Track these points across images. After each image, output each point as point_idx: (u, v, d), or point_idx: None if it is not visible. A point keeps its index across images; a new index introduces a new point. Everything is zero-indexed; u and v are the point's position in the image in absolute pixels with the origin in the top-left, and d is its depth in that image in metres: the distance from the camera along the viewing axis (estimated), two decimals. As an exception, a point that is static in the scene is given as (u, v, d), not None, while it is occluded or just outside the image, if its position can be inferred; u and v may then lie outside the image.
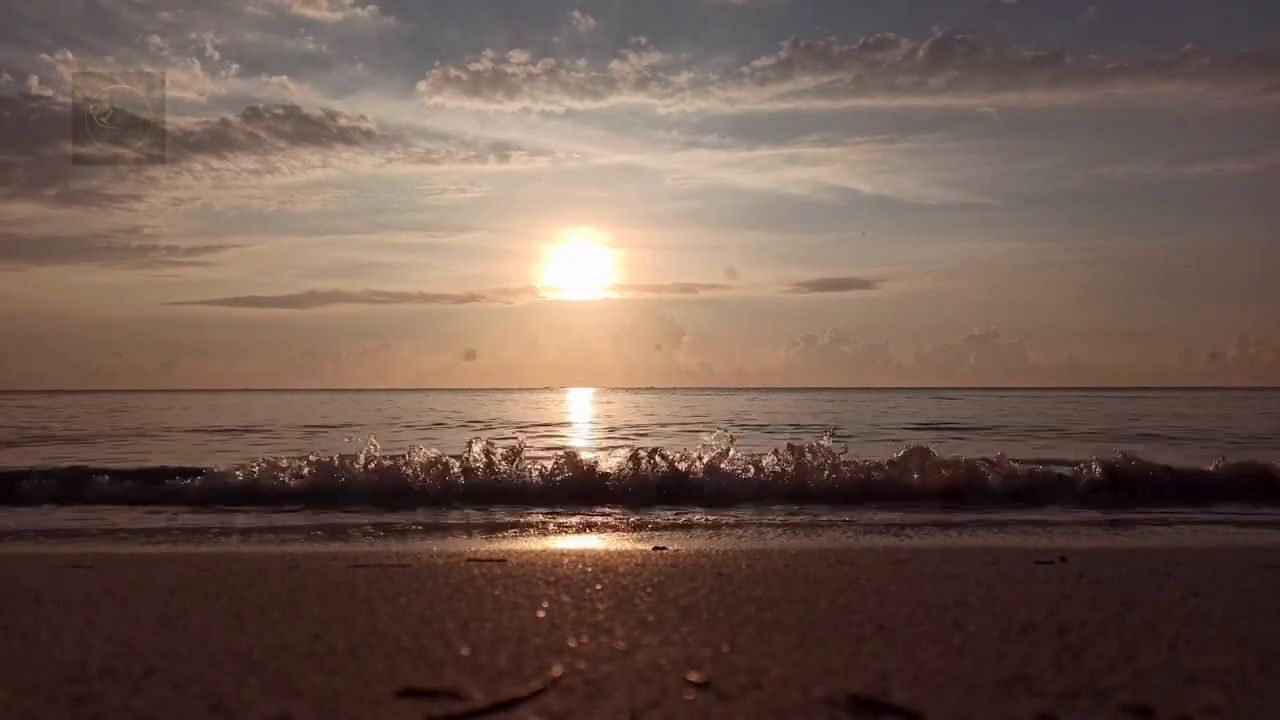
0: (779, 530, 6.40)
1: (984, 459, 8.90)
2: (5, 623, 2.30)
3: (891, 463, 8.67)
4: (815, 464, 8.62)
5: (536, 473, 8.66)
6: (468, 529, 6.65)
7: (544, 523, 6.85)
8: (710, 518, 7.17)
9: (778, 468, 8.65)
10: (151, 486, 8.73)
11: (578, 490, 8.37)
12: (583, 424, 27.78)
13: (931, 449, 8.92)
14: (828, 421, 25.95)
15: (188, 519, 7.29)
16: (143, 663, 1.81)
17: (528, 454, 9.09)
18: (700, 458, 8.83)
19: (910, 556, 4.18)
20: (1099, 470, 8.68)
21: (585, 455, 9.08)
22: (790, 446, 8.86)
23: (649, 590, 2.76)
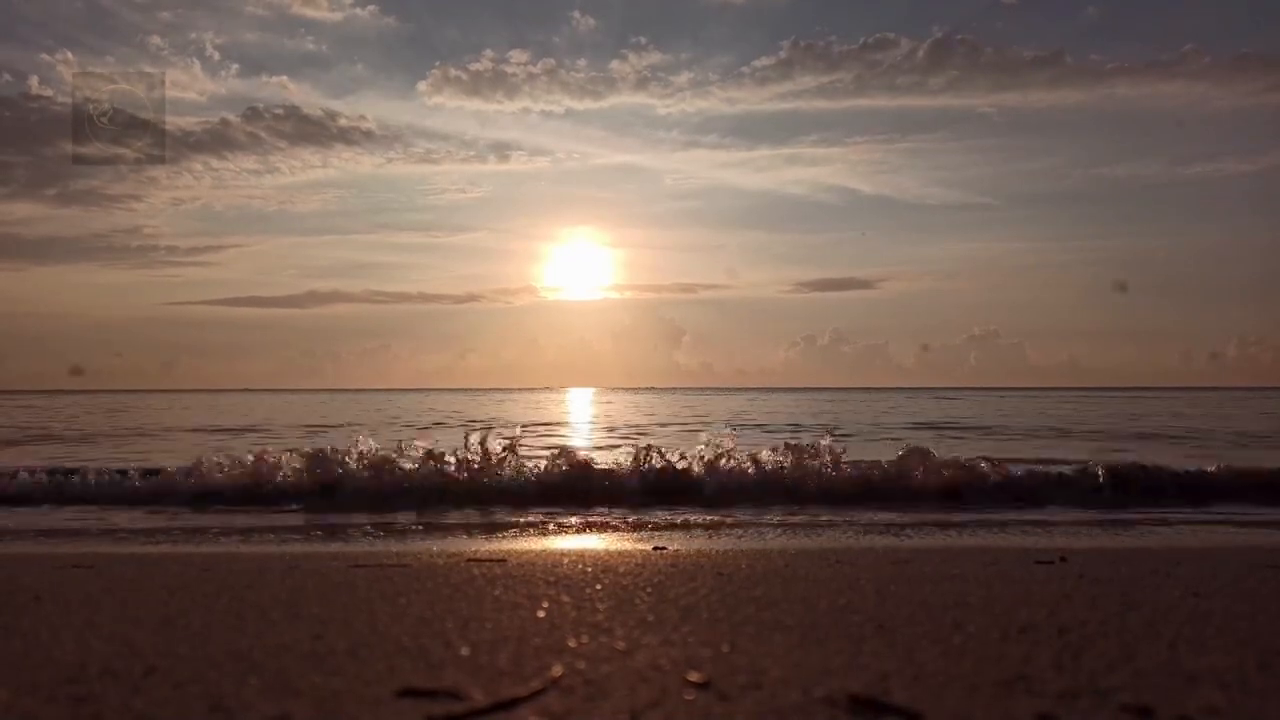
0: (779, 530, 6.40)
1: (983, 457, 8.90)
2: (5, 623, 2.29)
3: (891, 464, 8.67)
4: (815, 464, 8.62)
5: (535, 472, 8.65)
6: (468, 529, 6.65)
7: (544, 523, 6.85)
8: (710, 518, 7.17)
9: (777, 468, 8.65)
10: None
11: (577, 490, 8.36)
12: (582, 424, 27.78)
13: (931, 449, 8.91)
14: (828, 421, 25.97)
15: (188, 519, 7.28)
16: (143, 663, 1.81)
17: (528, 454, 9.09)
18: (700, 458, 8.83)
19: (910, 556, 4.18)
20: (1099, 470, 8.68)
21: (585, 455, 9.08)
22: (788, 446, 8.86)
23: (649, 590, 2.76)
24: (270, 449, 8.91)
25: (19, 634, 2.14)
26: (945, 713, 1.46)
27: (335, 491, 8.33)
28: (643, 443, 9.22)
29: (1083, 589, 2.88)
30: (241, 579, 3.18)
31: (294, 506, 7.96)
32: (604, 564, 3.52)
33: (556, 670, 1.71)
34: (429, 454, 8.68)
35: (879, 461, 8.82)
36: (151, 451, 15.05)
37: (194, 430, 21.94)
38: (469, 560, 3.85)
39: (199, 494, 8.26)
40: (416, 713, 1.46)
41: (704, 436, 9.13)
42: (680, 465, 8.72)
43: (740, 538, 5.98)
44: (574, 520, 7.02)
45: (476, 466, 8.60)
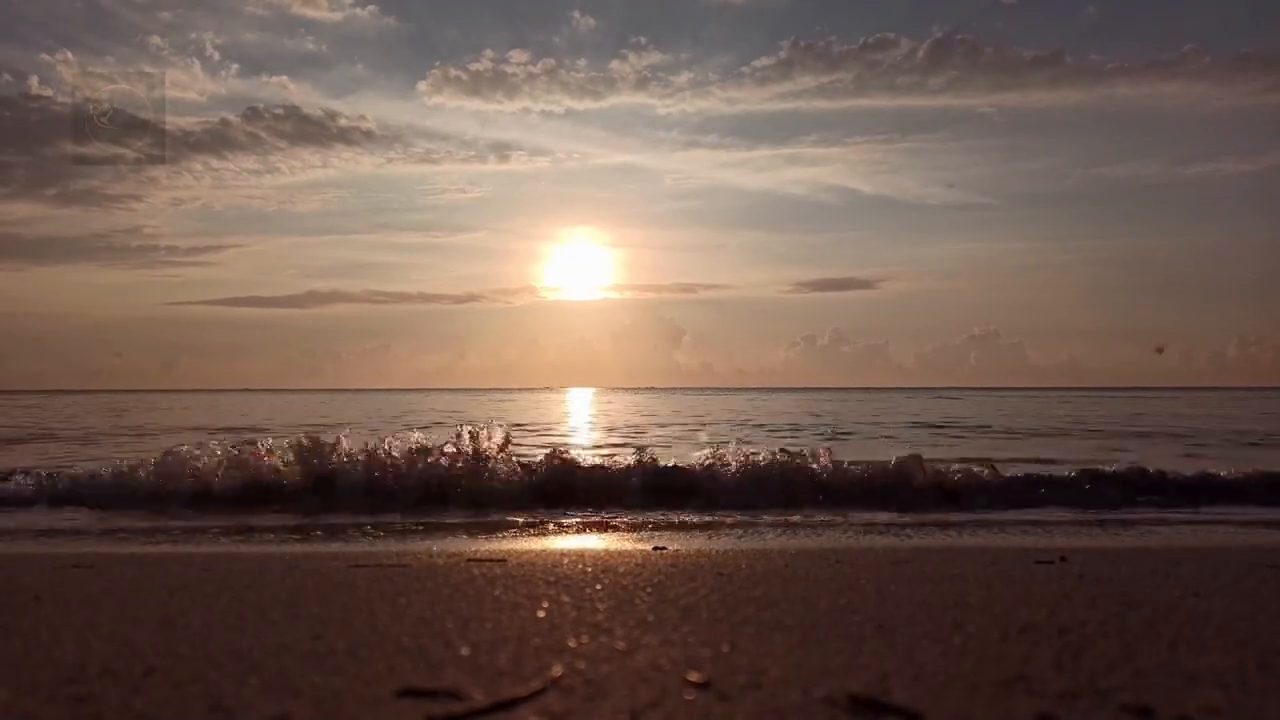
0: (779, 530, 6.40)
1: (984, 460, 8.90)
2: (5, 623, 2.29)
3: (888, 470, 8.65)
4: (814, 465, 8.62)
5: (535, 472, 8.64)
6: (468, 529, 6.65)
7: (544, 523, 6.85)
8: (710, 518, 7.17)
9: (777, 469, 8.64)
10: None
11: (577, 490, 8.35)
12: (582, 424, 27.77)
13: (922, 455, 8.87)
14: (828, 422, 25.98)
15: (188, 520, 7.27)
16: (143, 663, 1.81)
17: (528, 454, 9.08)
18: (700, 458, 8.83)
19: (910, 556, 4.18)
20: (1098, 471, 8.68)
21: (585, 455, 9.08)
22: (786, 450, 8.86)
23: (649, 590, 2.76)
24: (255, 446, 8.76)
25: (19, 634, 2.14)
26: (945, 713, 1.47)
27: (330, 488, 8.25)
28: (642, 443, 9.22)
29: (1083, 589, 2.88)
30: (241, 579, 3.18)
31: (276, 507, 7.82)
32: (604, 564, 3.52)
33: (556, 670, 1.71)
34: (423, 451, 8.62)
35: (878, 464, 8.81)
36: (152, 452, 15.02)
37: (194, 429, 21.94)
38: (469, 560, 3.85)
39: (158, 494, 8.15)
40: (416, 713, 1.46)
41: (703, 437, 9.13)
42: (680, 465, 8.71)
43: (740, 538, 5.98)
44: (574, 520, 7.02)
45: (474, 466, 8.57)
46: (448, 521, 7.07)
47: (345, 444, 8.60)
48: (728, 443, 9.05)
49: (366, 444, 8.63)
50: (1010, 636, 2.07)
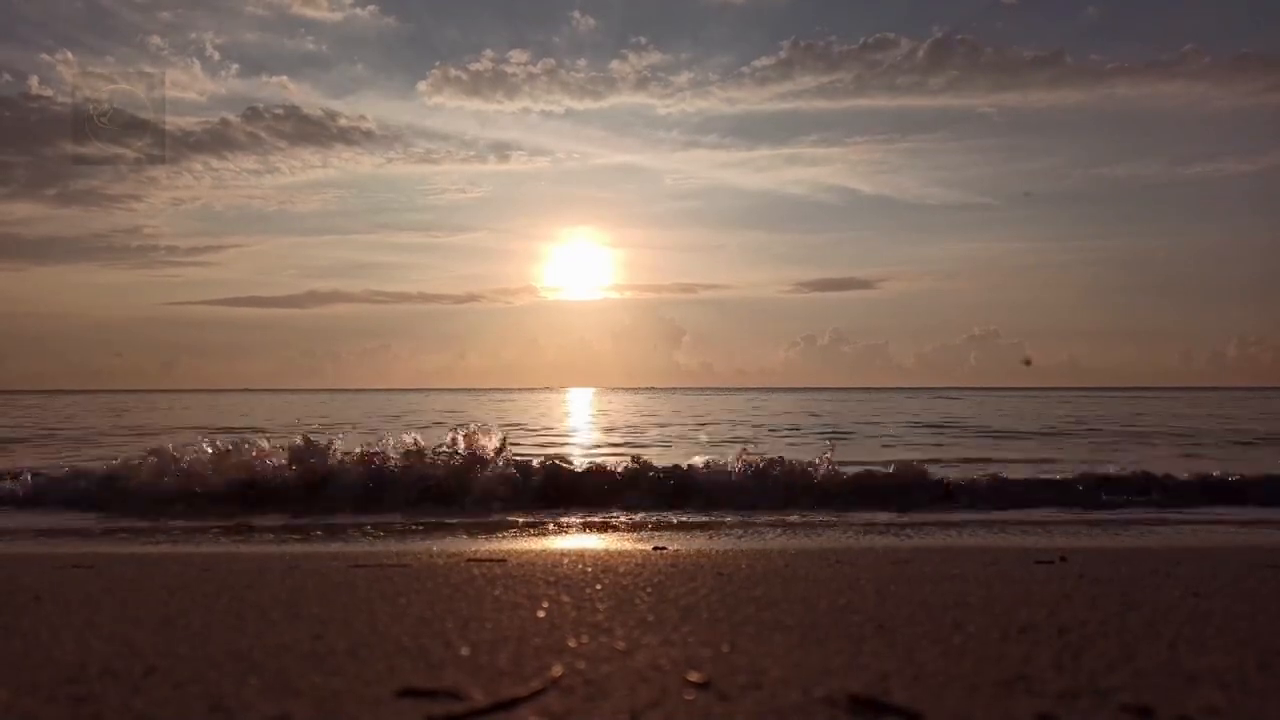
0: (779, 530, 6.40)
1: (984, 460, 8.89)
2: (5, 623, 2.29)
3: (888, 475, 8.65)
4: (814, 466, 8.62)
5: (533, 472, 8.64)
6: (468, 529, 6.64)
7: (544, 523, 6.85)
8: (710, 518, 7.17)
9: (777, 470, 8.64)
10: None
11: (577, 490, 8.35)
12: (582, 424, 27.77)
13: (919, 462, 8.86)
14: (827, 422, 25.97)
15: (189, 519, 7.27)
16: (143, 663, 1.81)
17: (528, 455, 9.08)
18: (700, 459, 8.82)
19: (910, 556, 4.18)
20: (1099, 471, 8.67)
21: (584, 455, 9.07)
22: (784, 457, 8.86)
23: (649, 590, 2.76)
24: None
25: (19, 634, 2.14)
26: (945, 713, 1.47)
27: (324, 488, 8.24)
28: (642, 443, 9.21)
29: (1083, 589, 2.88)
30: (241, 579, 3.18)
31: (268, 509, 7.80)
32: (604, 564, 3.52)
33: (556, 670, 1.71)
34: (419, 452, 8.62)
35: (878, 465, 8.81)
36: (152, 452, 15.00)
37: (194, 428, 21.95)
38: (469, 560, 3.85)
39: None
40: (416, 713, 1.46)
41: (703, 438, 9.12)
42: (680, 466, 8.71)
43: (740, 538, 5.98)
44: (574, 520, 7.02)
45: (471, 466, 8.56)
46: (448, 521, 7.06)
47: (343, 444, 8.62)
48: (748, 443, 8.99)
49: (366, 444, 8.63)
50: (1010, 636, 2.07)
